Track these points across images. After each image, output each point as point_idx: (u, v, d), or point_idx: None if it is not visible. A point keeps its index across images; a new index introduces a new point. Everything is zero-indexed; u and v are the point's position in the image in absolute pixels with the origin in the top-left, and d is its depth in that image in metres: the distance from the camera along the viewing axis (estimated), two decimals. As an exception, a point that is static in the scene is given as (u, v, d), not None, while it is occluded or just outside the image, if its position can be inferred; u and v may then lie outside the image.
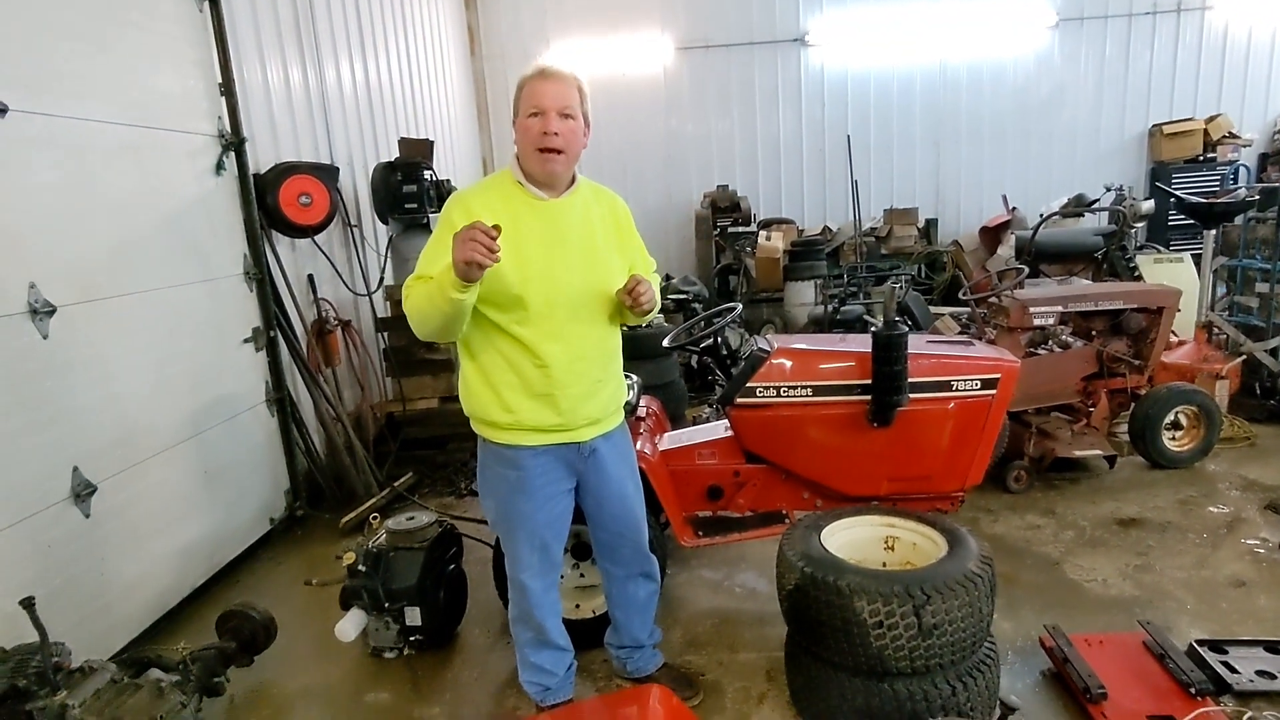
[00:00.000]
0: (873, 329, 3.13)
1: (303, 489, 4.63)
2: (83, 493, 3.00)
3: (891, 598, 2.22)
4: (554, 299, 2.22)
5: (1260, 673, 2.59)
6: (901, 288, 5.88)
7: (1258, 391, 5.46)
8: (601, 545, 2.59)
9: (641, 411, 3.47)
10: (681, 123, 9.46)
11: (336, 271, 5.29)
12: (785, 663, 2.69)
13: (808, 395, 3.18)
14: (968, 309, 5.49)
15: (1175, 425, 4.56)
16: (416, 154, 5.85)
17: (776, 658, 2.86)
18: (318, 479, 4.77)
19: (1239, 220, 5.87)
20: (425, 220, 5.71)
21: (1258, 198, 5.45)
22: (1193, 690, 2.49)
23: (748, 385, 3.19)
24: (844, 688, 2.35)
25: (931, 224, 9.08)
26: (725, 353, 3.47)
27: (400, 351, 5.40)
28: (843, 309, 6.72)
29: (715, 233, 8.84)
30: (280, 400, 4.51)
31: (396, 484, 4.83)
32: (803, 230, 9.01)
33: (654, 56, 9.26)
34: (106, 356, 3.23)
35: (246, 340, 4.30)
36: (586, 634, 2.92)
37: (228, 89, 4.15)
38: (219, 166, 4.12)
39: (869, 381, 3.08)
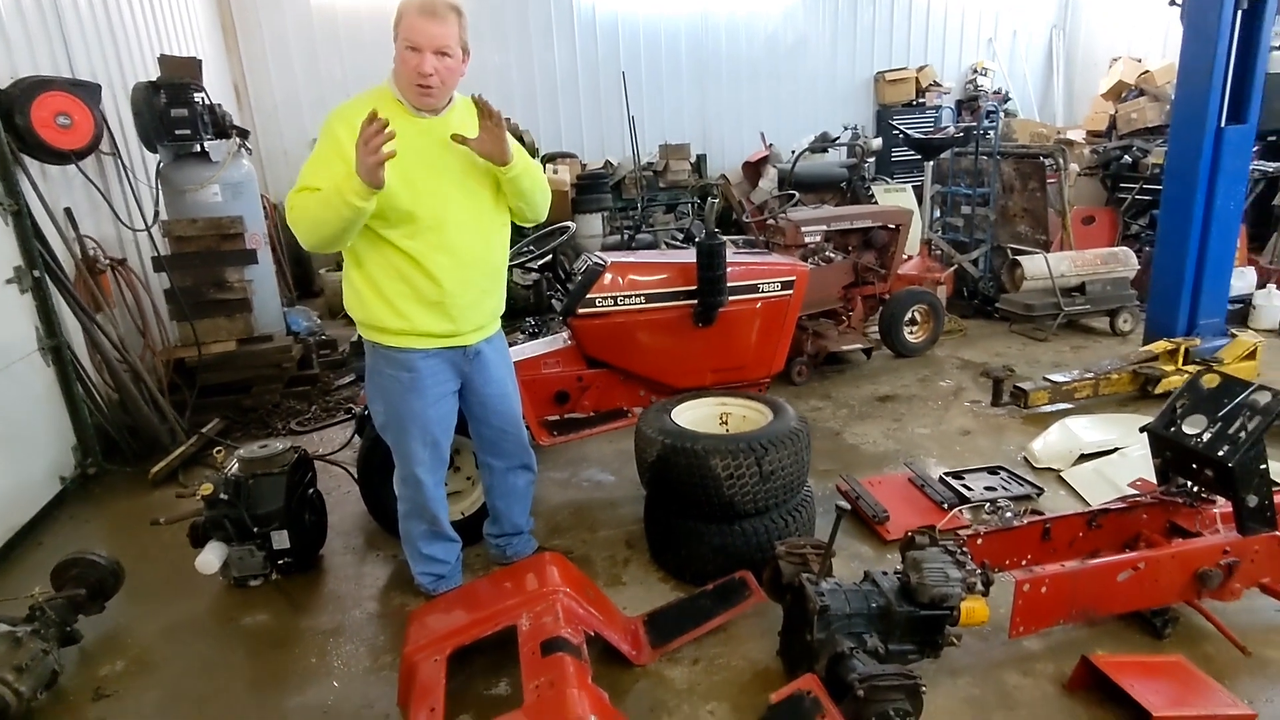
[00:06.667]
0: (696, 241, 3.57)
1: (94, 444, 4.22)
2: None
3: (738, 453, 2.69)
4: (442, 213, 2.33)
5: (986, 488, 3.48)
6: (719, 202, 6.48)
7: (964, 294, 6.79)
8: (485, 442, 2.79)
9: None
10: (459, 54, 9.22)
11: (109, 203, 4.73)
12: (645, 527, 3.12)
13: (641, 303, 3.56)
14: (743, 235, 6.20)
15: (912, 321, 5.59)
16: (183, 73, 5.29)
17: (632, 530, 3.30)
18: (110, 432, 4.36)
19: (948, 155, 7.12)
20: (200, 149, 5.24)
21: (961, 135, 6.64)
22: (945, 506, 3.32)
23: (588, 297, 3.51)
24: (701, 534, 2.81)
25: (701, 159, 9.82)
26: (561, 270, 3.74)
27: (189, 292, 4.97)
28: (637, 237, 7.20)
29: (501, 167, 8.84)
30: (56, 348, 4.05)
31: (205, 429, 4.55)
32: (585, 164, 9.32)
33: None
34: None
35: (9, 281, 3.80)
36: (459, 533, 3.11)
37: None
38: (-51, 78, 3.55)
39: (693, 288, 3.53)
